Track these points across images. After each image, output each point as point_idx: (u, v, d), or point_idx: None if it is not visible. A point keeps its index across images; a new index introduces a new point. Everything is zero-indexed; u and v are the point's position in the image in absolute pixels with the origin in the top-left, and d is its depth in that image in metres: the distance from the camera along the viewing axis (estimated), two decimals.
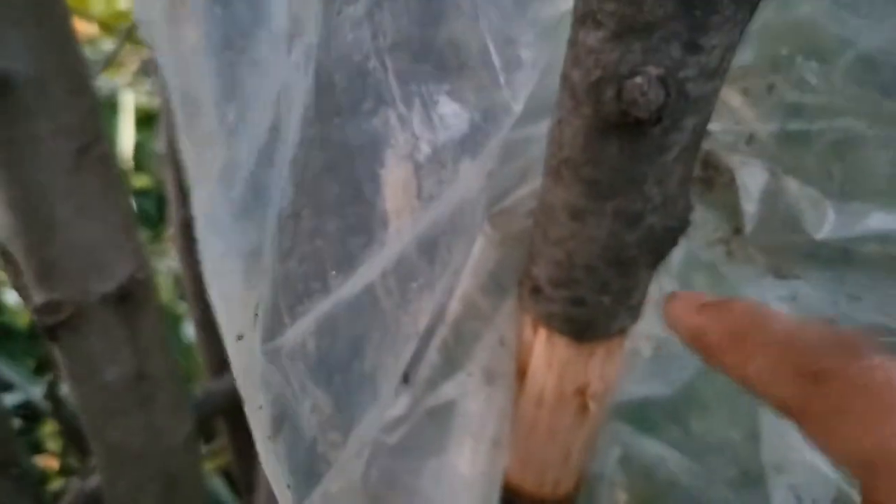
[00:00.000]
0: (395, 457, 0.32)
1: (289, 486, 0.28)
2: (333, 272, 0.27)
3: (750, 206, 0.34)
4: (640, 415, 0.44)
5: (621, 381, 0.38)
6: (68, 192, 0.39)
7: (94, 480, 0.81)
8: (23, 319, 1.30)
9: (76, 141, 0.38)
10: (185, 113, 0.28)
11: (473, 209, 0.31)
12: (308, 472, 0.27)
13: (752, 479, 0.41)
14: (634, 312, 0.32)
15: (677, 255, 0.36)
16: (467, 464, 0.33)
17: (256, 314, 0.26)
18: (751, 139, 0.34)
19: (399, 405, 0.34)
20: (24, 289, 0.43)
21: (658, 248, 0.29)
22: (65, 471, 1.16)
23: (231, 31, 0.27)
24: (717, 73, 0.24)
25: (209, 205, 0.28)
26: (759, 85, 0.34)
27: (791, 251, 0.33)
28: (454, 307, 0.34)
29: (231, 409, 0.98)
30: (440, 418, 0.33)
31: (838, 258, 0.32)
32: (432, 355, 0.35)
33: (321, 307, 0.27)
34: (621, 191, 0.27)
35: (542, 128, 0.28)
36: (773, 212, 0.33)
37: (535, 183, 0.30)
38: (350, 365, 0.29)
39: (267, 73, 0.27)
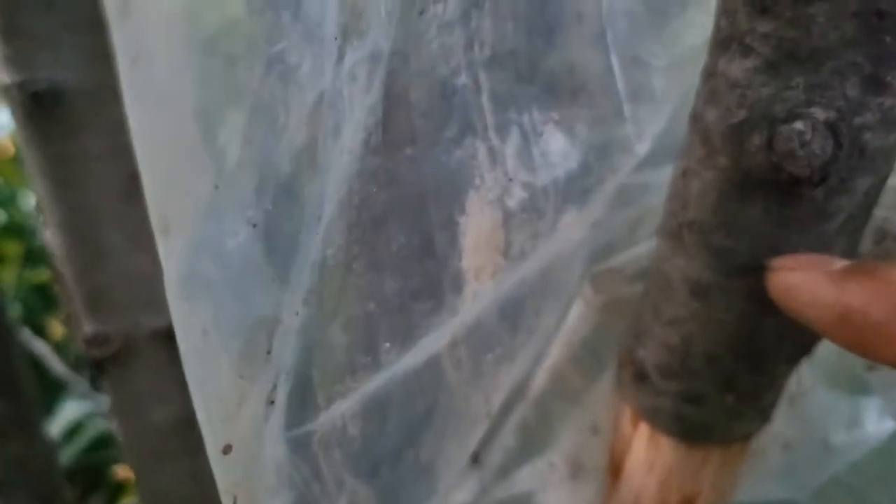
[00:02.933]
0: None
1: None
2: (387, 344, 0.22)
3: None
4: None
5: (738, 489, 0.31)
6: (119, 219, 0.36)
7: None
8: None
9: (129, 165, 0.35)
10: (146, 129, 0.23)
11: (571, 266, 0.26)
12: None
13: None
14: (765, 415, 0.26)
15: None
16: None
17: (272, 401, 0.21)
18: None
19: (464, 492, 0.29)
20: (75, 318, 0.40)
21: (803, 340, 0.23)
22: None
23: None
24: None
25: (189, 259, 0.23)
26: None
27: None
28: (539, 381, 0.28)
29: None
30: None
31: None
32: (508, 437, 0.29)
33: (369, 386, 0.22)
34: (760, 266, 0.21)
35: (668, 174, 0.22)
36: None
37: (651, 240, 0.24)
38: (402, 454, 0.24)
39: (296, 79, 0.22)
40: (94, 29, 0.33)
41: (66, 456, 0.99)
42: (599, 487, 0.30)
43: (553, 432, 0.30)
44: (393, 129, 0.24)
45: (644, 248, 0.26)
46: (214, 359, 0.22)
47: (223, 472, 0.23)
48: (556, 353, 0.27)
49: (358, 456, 0.23)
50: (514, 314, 0.25)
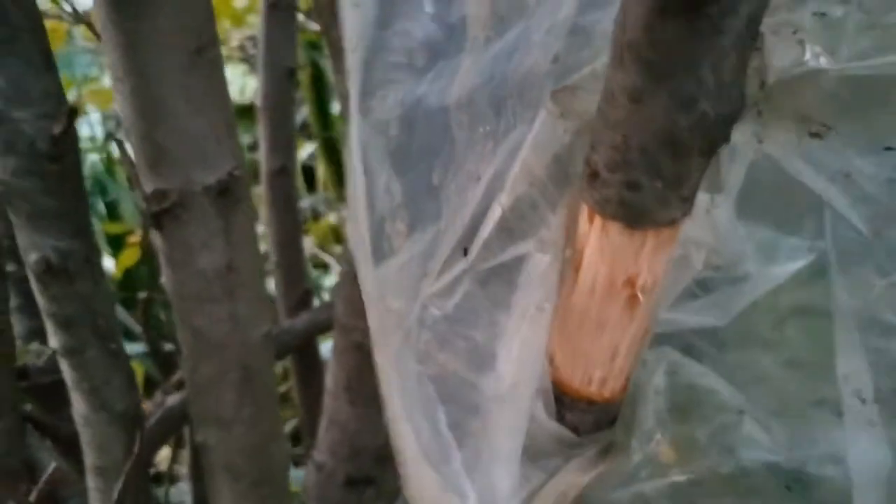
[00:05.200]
0: (446, 321, 0.34)
1: None
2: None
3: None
4: (689, 343, 0.45)
5: (671, 287, 0.39)
6: (182, 87, 0.43)
7: (175, 398, 0.86)
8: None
9: (193, 42, 0.42)
10: None
11: (541, 84, 0.33)
12: (376, 245, 0.30)
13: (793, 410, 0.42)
14: (686, 205, 0.33)
15: None
16: (514, 327, 0.35)
17: None
18: None
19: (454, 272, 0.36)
20: (136, 178, 0.47)
21: (710, 135, 0.30)
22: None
23: None
24: None
25: None
26: None
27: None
28: (514, 176, 0.36)
29: (302, 349, 1.03)
30: (492, 283, 0.35)
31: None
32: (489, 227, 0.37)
33: (406, 93, 0.29)
34: (677, 73, 0.28)
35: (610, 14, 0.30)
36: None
37: (598, 63, 0.32)
38: (420, 168, 0.31)
39: None
40: None
41: None
42: (559, 260, 0.37)
43: (527, 221, 0.37)
44: None
45: (591, 68, 0.34)
46: None
47: None
48: (526, 154, 0.35)
49: (394, 151, 0.30)
50: (497, 106, 0.33)
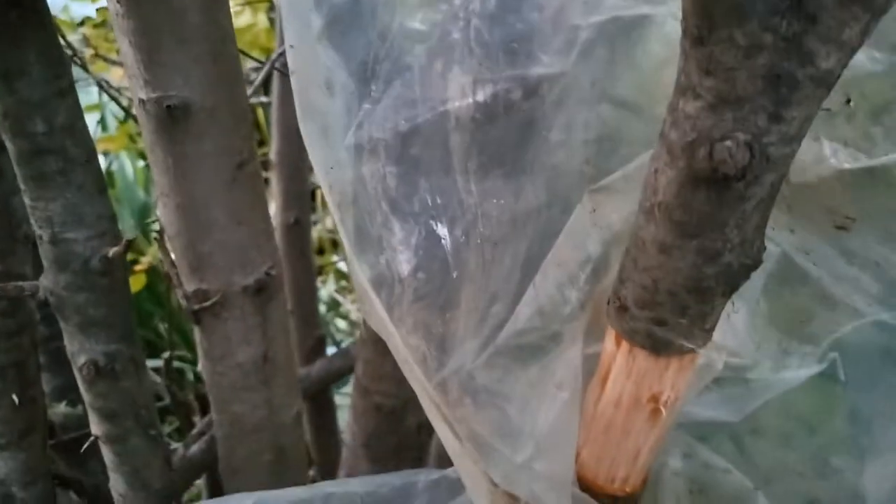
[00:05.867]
0: (487, 392, 0.37)
1: None
2: None
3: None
4: (704, 432, 0.47)
5: (692, 391, 0.41)
6: (225, 201, 0.44)
7: (195, 448, 0.88)
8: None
9: (236, 159, 0.44)
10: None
11: (571, 180, 0.36)
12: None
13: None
14: (707, 335, 0.35)
15: None
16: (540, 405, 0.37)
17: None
18: None
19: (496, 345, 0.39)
20: (177, 282, 0.48)
21: (733, 281, 0.32)
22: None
23: None
24: (795, 139, 0.28)
25: None
26: None
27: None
28: (548, 262, 0.39)
29: (317, 393, 1.04)
30: (524, 360, 0.37)
31: None
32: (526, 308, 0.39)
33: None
34: (705, 232, 0.30)
35: None
36: None
37: (629, 168, 0.34)
38: (422, 217, 0.35)
39: None
40: (216, 61, 0.41)
41: None
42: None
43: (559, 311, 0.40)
44: None
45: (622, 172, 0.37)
46: None
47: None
48: (561, 242, 0.37)
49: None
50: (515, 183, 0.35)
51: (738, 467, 0.45)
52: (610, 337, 0.38)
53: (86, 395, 0.49)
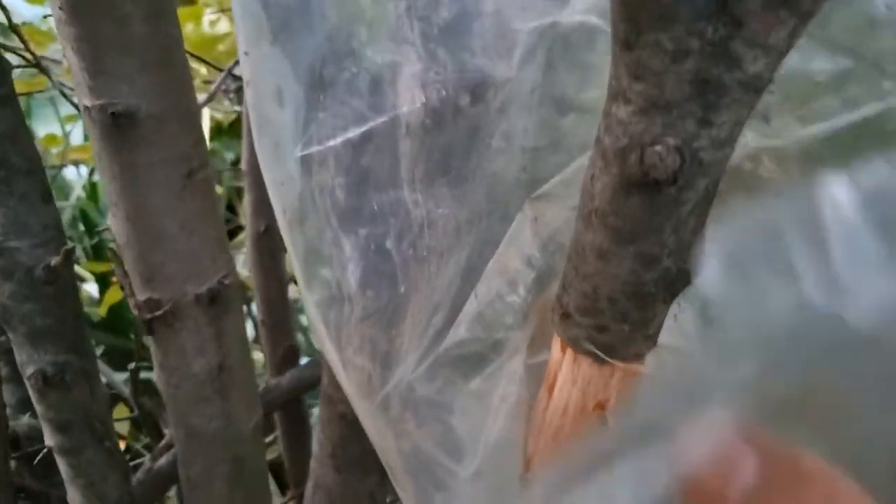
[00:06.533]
0: (428, 404, 0.36)
1: None
2: None
3: None
4: None
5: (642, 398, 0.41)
6: (175, 210, 0.44)
7: (163, 461, 0.87)
8: (97, 313, 1.39)
9: (185, 167, 0.43)
10: None
11: (510, 188, 0.36)
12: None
13: None
14: (651, 341, 0.35)
15: None
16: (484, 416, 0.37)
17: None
18: None
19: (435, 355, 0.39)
20: (128, 287, 0.48)
21: (672, 287, 0.32)
22: (131, 452, 1.22)
23: None
24: (726, 143, 0.28)
25: None
26: None
27: None
28: (490, 271, 0.38)
29: (288, 405, 1.03)
30: (465, 371, 0.37)
31: None
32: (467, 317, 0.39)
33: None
34: (641, 237, 0.30)
35: None
36: None
37: (567, 173, 0.34)
38: (371, 232, 0.34)
39: None
40: (162, 68, 0.41)
41: None
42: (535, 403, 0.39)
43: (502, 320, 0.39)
44: None
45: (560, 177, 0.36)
46: None
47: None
48: (502, 252, 0.37)
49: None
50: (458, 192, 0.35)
51: None
52: (556, 344, 0.37)
53: (38, 406, 0.48)
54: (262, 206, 1.01)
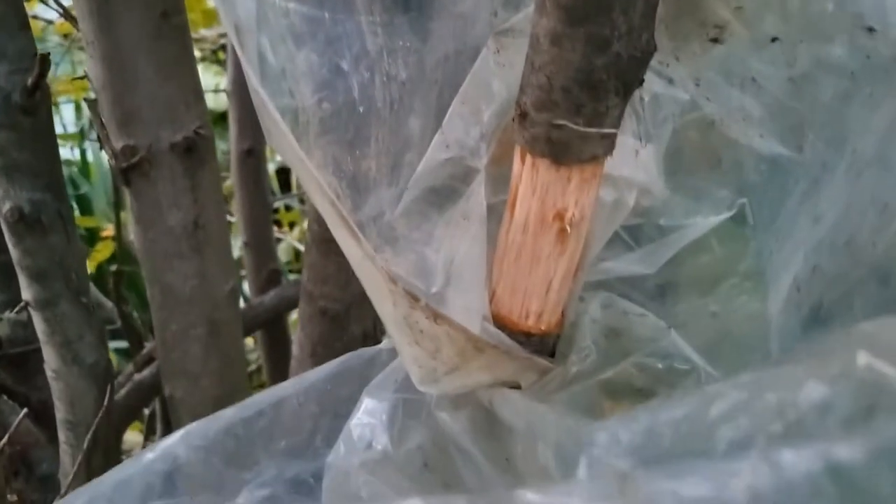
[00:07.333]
0: (405, 240, 0.37)
1: None
2: None
3: None
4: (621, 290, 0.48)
5: (606, 230, 0.42)
6: (151, 52, 0.45)
7: (145, 372, 0.88)
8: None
9: (159, 7, 0.44)
10: None
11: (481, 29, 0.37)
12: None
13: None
14: (606, 142, 0.36)
15: None
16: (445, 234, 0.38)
17: None
18: None
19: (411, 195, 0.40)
20: (106, 138, 0.49)
21: (624, 76, 0.33)
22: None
23: None
24: None
25: None
26: None
27: None
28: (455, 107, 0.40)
29: (271, 322, 1.05)
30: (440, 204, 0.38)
31: None
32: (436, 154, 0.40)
33: None
34: (592, 17, 0.31)
35: None
36: None
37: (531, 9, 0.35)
38: (328, 50, 0.35)
39: None
40: None
41: None
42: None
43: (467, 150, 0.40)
44: None
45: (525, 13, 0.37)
46: None
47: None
48: (466, 87, 0.38)
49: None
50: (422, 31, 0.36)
51: (654, 314, 0.46)
52: (517, 157, 0.39)
53: (14, 253, 0.49)
54: (246, 126, 1.02)
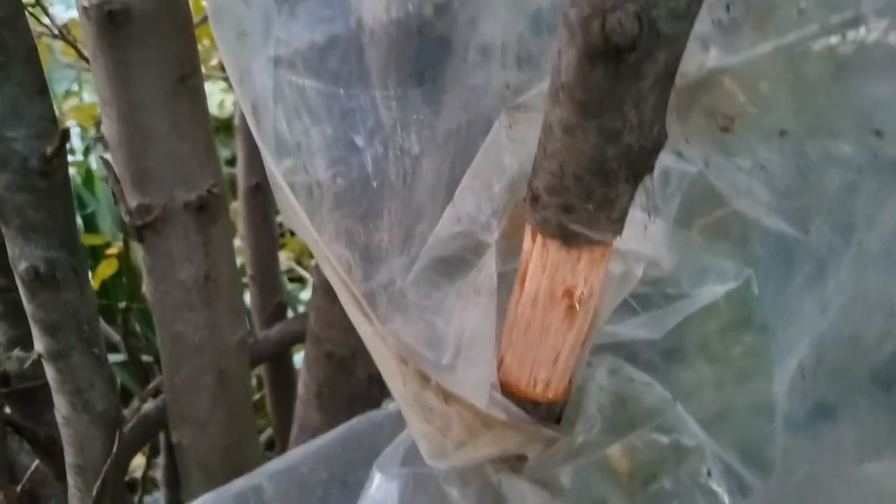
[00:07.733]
0: (416, 308, 0.38)
1: None
2: None
3: None
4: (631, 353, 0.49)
5: (614, 300, 0.43)
6: (166, 112, 0.46)
7: (151, 405, 0.88)
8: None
9: (177, 70, 0.45)
10: None
11: (494, 101, 0.37)
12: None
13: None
14: (615, 226, 0.37)
15: None
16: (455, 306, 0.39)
17: None
18: None
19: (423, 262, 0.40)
20: (121, 196, 0.49)
21: (634, 165, 0.34)
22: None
23: None
24: (684, 17, 0.30)
25: None
26: None
27: None
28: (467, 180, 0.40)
29: (276, 357, 1.05)
30: (450, 274, 0.39)
31: None
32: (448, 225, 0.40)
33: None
34: (604, 111, 0.32)
35: None
36: None
37: (544, 85, 0.36)
38: (342, 125, 0.36)
39: None
40: None
41: None
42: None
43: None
44: None
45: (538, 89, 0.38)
46: None
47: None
48: (478, 161, 0.38)
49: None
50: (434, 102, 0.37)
51: (660, 382, 0.47)
52: (528, 236, 0.39)
53: (28, 307, 0.50)
54: (254, 161, 1.03)
